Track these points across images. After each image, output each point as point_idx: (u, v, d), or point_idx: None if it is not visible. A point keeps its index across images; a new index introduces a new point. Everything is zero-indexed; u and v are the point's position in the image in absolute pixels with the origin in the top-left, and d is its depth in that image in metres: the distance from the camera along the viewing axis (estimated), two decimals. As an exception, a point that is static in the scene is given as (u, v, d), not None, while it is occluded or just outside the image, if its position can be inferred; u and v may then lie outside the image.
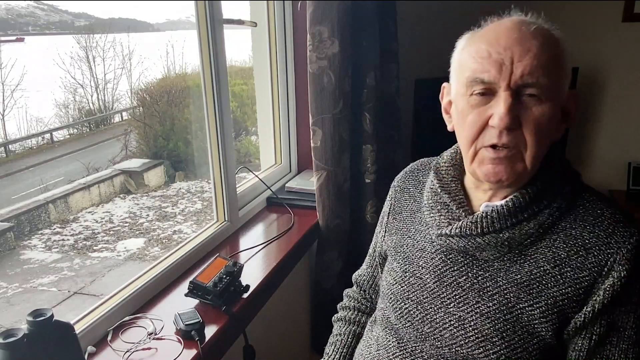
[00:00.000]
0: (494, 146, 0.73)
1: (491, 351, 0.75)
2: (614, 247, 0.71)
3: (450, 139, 0.85)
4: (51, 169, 8.00)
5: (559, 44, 0.73)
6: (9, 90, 8.93)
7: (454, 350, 0.78)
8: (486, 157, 0.74)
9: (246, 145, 7.39)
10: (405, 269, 0.88)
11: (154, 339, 0.99)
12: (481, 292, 0.77)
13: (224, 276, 1.12)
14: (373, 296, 1.09)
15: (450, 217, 0.81)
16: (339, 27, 1.43)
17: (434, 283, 0.83)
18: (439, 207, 0.83)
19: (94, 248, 6.29)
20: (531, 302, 0.74)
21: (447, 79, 0.83)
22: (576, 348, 0.75)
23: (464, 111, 0.75)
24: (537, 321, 0.73)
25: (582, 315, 0.72)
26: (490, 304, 0.76)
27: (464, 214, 0.80)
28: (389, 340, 0.88)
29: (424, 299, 0.83)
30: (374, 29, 1.57)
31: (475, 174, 0.78)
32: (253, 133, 7.38)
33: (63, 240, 6.41)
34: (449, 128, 0.83)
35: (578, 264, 0.72)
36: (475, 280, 0.78)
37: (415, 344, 0.84)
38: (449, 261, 0.82)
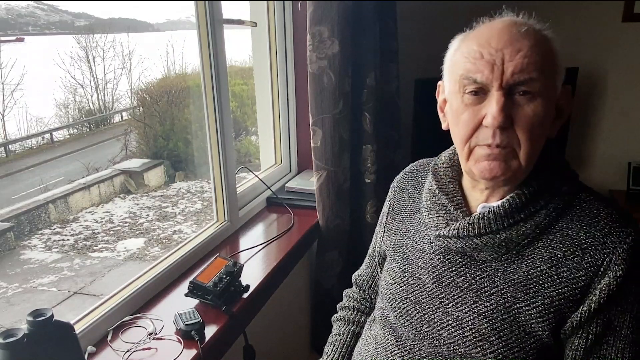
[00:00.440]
0: (488, 145, 0.73)
1: (488, 350, 0.75)
2: (610, 247, 0.71)
3: (450, 139, 0.85)
4: (51, 169, 8.01)
5: (550, 44, 0.74)
6: (9, 90, 8.93)
7: (452, 349, 0.79)
8: (481, 154, 0.75)
9: (246, 145, 7.40)
10: (405, 269, 0.89)
11: (154, 339, 0.99)
12: (479, 292, 0.78)
13: (224, 276, 1.12)
14: (372, 296, 1.10)
15: (448, 218, 0.82)
16: (339, 27, 1.43)
17: (432, 283, 0.83)
18: (437, 208, 0.84)
19: (94, 248, 6.29)
20: (528, 302, 0.74)
21: (446, 79, 0.83)
22: (573, 347, 0.75)
23: (458, 110, 0.76)
24: (534, 321, 0.74)
25: (579, 315, 0.72)
26: (488, 303, 0.77)
27: (461, 215, 0.81)
28: (388, 339, 0.89)
29: (423, 298, 0.84)
30: (374, 29, 1.57)
31: (471, 172, 0.78)
32: (253, 133, 7.38)
33: (63, 240, 6.41)
34: (444, 127, 0.84)
35: (574, 264, 0.72)
36: (473, 281, 0.79)
37: (413, 343, 0.84)
38: (447, 262, 0.82)
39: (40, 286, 5.46)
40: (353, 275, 1.16)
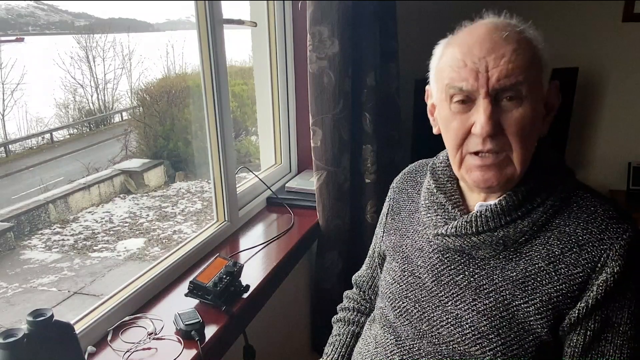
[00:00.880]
0: (478, 152, 0.74)
1: (487, 348, 0.76)
2: (607, 243, 0.72)
3: (449, 139, 0.85)
4: (51, 169, 8.01)
5: (532, 44, 0.74)
6: (9, 90, 8.93)
7: (451, 347, 0.79)
8: (473, 164, 0.75)
9: (246, 145, 7.40)
10: (404, 268, 0.89)
11: (154, 339, 0.99)
12: (477, 290, 0.78)
13: (224, 276, 1.12)
14: (372, 297, 1.10)
15: (446, 217, 0.82)
16: (339, 27, 1.43)
17: (431, 282, 0.84)
18: (435, 207, 0.84)
19: (94, 248, 6.29)
20: (526, 299, 0.74)
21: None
22: (571, 344, 0.75)
23: (447, 118, 0.77)
24: (532, 318, 0.74)
25: (577, 311, 0.73)
26: (487, 301, 0.77)
27: (459, 213, 0.81)
28: (387, 338, 0.89)
29: (422, 297, 0.84)
30: (374, 29, 1.57)
31: (464, 179, 0.79)
32: (253, 133, 7.38)
33: (63, 240, 6.41)
34: (435, 131, 0.85)
35: (572, 261, 0.73)
36: (471, 279, 0.79)
37: (412, 342, 0.84)
38: (446, 260, 0.82)
39: (40, 286, 5.46)
40: (353, 276, 1.16)
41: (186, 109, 8.06)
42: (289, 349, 1.62)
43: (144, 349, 0.96)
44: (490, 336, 0.75)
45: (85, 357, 0.93)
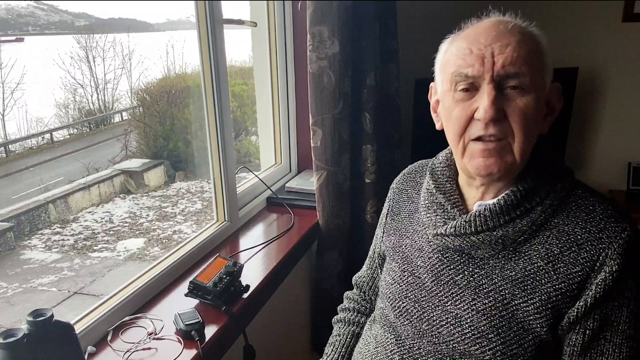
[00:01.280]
0: (481, 138, 0.74)
1: (487, 347, 0.76)
2: (606, 242, 0.72)
3: (449, 139, 0.85)
4: (51, 169, 8.01)
5: (537, 39, 0.75)
6: (9, 90, 8.93)
7: (451, 346, 0.79)
8: (476, 150, 0.76)
9: (246, 145, 7.40)
10: (404, 268, 0.89)
11: (154, 339, 0.99)
12: (477, 290, 0.78)
13: (224, 276, 1.12)
14: (373, 298, 1.10)
15: (445, 217, 0.82)
16: (339, 27, 1.43)
17: (431, 282, 0.84)
18: (434, 207, 0.85)
19: (94, 248, 6.29)
20: (526, 299, 0.74)
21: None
22: (570, 343, 0.75)
23: (450, 107, 0.77)
24: (531, 317, 0.74)
25: (575, 310, 0.73)
26: (486, 301, 0.77)
27: (458, 213, 0.82)
28: (387, 338, 0.89)
29: (422, 297, 0.84)
30: (374, 29, 1.57)
31: (466, 169, 0.79)
32: (253, 133, 7.38)
33: (63, 240, 6.42)
34: (437, 127, 0.85)
35: (571, 260, 0.73)
36: (471, 278, 0.79)
37: (412, 341, 0.85)
38: (445, 260, 0.83)
39: (40, 286, 5.46)
40: (353, 277, 1.16)
41: (186, 109, 8.07)
42: (289, 349, 1.62)
43: (144, 349, 0.96)
44: (490, 335, 0.76)
45: (85, 357, 0.93)
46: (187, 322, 1.00)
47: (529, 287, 0.74)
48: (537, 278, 0.74)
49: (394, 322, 0.88)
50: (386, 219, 1.01)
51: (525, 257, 0.76)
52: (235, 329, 1.11)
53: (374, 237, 1.08)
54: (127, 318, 1.05)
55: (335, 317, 1.13)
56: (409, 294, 0.86)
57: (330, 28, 1.43)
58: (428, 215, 0.85)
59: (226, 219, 1.47)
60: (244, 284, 1.17)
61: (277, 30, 1.75)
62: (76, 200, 7.11)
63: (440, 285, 0.82)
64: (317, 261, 1.64)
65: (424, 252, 0.87)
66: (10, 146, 8.50)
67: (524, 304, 0.74)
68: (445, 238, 0.80)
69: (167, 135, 8.21)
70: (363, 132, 1.62)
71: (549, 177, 0.78)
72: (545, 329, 0.73)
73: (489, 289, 0.77)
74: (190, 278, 1.12)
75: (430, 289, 0.84)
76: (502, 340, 0.75)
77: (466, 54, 0.74)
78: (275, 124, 1.86)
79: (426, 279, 0.85)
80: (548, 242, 0.75)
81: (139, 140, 8.64)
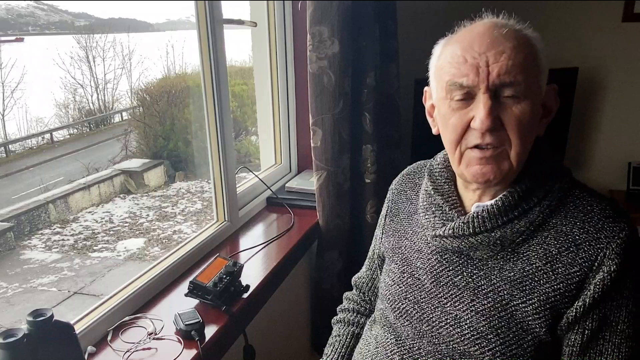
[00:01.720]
0: (477, 146, 0.74)
1: (486, 348, 0.76)
2: (604, 242, 0.72)
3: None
4: (51, 169, 8.01)
5: (532, 43, 0.74)
6: (9, 90, 8.93)
7: (451, 347, 0.79)
8: (472, 157, 0.75)
9: (246, 145, 7.40)
10: (403, 269, 0.89)
11: (154, 339, 0.99)
12: (476, 291, 0.78)
13: (224, 276, 1.12)
14: (372, 298, 1.10)
15: (444, 218, 0.82)
16: (339, 27, 1.43)
17: (430, 283, 0.84)
18: (433, 209, 0.85)
19: (94, 248, 6.29)
20: (524, 299, 0.74)
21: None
22: (569, 344, 0.76)
23: (446, 115, 0.77)
24: (530, 317, 0.74)
25: (574, 310, 0.73)
26: (485, 301, 0.77)
27: (456, 214, 0.82)
28: (388, 338, 0.89)
29: (422, 298, 0.85)
30: (374, 29, 1.57)
31: (463, 175, 0.79)
32: (253, 133, 7.38)
33: (63, 240, 6.42)
34: (434, 132, 0.85)
35: (569, 260, 0.73)
36: (470, 279, 0.79)
37: (412, 342, 0.85)
38: (444, 261, 0.83)
39: (40, 286, 5.46)
40: (353, 278, 1.16)
41: (186, 109, 8.07)
42: (289, 349, 1.62)
43: (144, 349, 0.96)
44: (489, 336, 0.76)
45: (85, 357, 0.93)
46: (187, 322, 1.00)
47: (527, 287, 0.74)
48: (536, 278, 0.74)
49: (394, 323, 0.88)
50: (385, 220, 1.01)
51: (524, 258, 0.76)
52: (235, 329, 1.11)
53: (374, 238, 1.08)
54: (127, 318, 1.05)
55: (334, 317, 1.13)
56: (409, 295, 0.87)
57: (330, 28, 1.43)
58: (426, 216, 0.85)
59: (226, 219, 1.47)
60: (244, 284, 1.17)
61: (277, 30, 1.75)
62: (76, 200, 7.11)
63: (440, 287, 0.82)
64: (317, 261, 1.64)
65: (423, 253, 0.87)
66: (10, 146, 8.50)
67: (523, 305, 0.74)
68: (444, 239, 0.80)
69: (167, 135, 8.21)
70: (363, 132, 1.62)
71: (547, 178, 0.78)
72: (544, 330, 0.73)
73: (488, 289, 0.77)
74: (190, 278, 1.12)
75: (429, 290, 0.84)
76: (501, 340, 0.75)
77: (460, 62, 0.73)
78: (275, 124, 1.86)
79: (425, 280, 0.85)
80: (546, 242, 0.75)
81: (139, 140, 8.64)
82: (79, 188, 7.24)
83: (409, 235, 0.92)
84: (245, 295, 1.16)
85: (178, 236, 6.55)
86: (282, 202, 1.69)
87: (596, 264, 0.71)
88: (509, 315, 0.75)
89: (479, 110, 0.72)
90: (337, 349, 1.04)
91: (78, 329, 0.94)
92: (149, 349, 0.96)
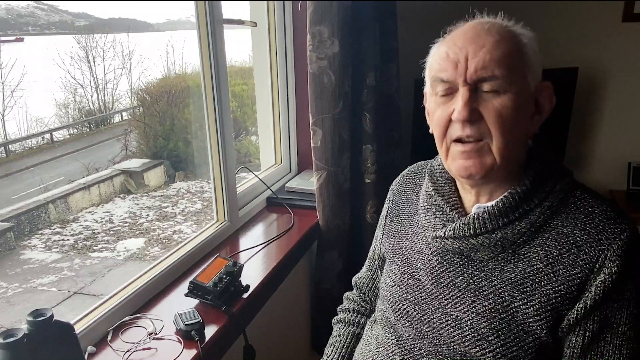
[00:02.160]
0: (460, 140, 0.75)
1: (487, 349, 0.76)
2: (605, 243, 0.72)
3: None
4: (51, 169, 8.00)
5: (518, 39, 0.75)
6: (9, 90, 8.93)
7: (451, 348, 0.79)
8: (456, 152, 0.77)
9: (246, 145, 7.39)
10: (404, 270, 0.89)
11: (154, 339, 0.99)
12: (477, 292, 0.78)
13: (224, 276, 1.12)
14: (372, 299, 1.10)
15: (444, 219, 0.82)
16: (339, 27, 1.43)
17: (431, 284, 0.84)
18: (433, 210, 0.85)
19: (94, 248, 6.29)
20: (525, 301, 0.74)
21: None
22: (570, 345, 0.75)
23: (432, 110, 0.80)
24: (531, 319, 0.74)
25: (575, 312, 0.73)
26: (486, 303, 0.77)
27: (457, 215, 0.82)
28: (388, 339, 0.89)
29: (422, 300, 0.84)
30: (374, 29, 1.57)
31: (450, 170, 0.81)
32: (253, 133, 7.38)
33: (63, 240, 6.41)
34: (431, 131, 0.85)
35: (570, 262, 0.73)
36: (471, 281, 0.79)
37: (413, 342, 0.85)
38: (445, 262, 0.83)
39: (40, 286, 5.46)
40: (353, 278, 1.16)
41: (186, 109, 8.06)
42: (289, 349, 1.62)
43: (144, 349, 0.96)
44: (490, 338, 0.76)
45: (85, 357, 0.93)
46: (187, 322, 1.00)
47: (528, 289, 0.74)
48: (537, 280, 0.74)
49: (395, 324, 0.88)
50: (385, 221, 1.01)
51: (525, 259, 0.76)
52: (235, 329, 1.11)
53: (374, 238, 1.08)
54: (127, 318, 1.05)
55: (335, 317, 1.13)
56: (409, 297, 0.86)
57: (330, 28, 1.43)
58: (427, 217, 0.85)
59: (226, 219, 1.47)
60: (244, 284, 1.17)
61: (277, 30, 1.75)
62: (76, 200, 7.11)
63: (440, 288, 0.82)
64: (317, 261, 1.63)
65: (423, 254, 0.86)
66: (10, 146, 8.50)
67: (524, 306, 0.74)
68: (445, 240, 0.80)
69: (167, 135, 8.21)
70: (363, 132, 1.62)
71: (547, 179, 0.78)
72: (545, 331, 0.73)
73: (489, 291, 0.77)
74: (190, 278, 1.12)
75: (430, 291, 0.84)
76: (502, 342, 0.75)
77: (443, 58, 0.75)
78: (275, 124, 1.86)
79: (426, 282, 0.84)
80: (547, 244, 0.75)
81: (139, 140, 8.64)
82: (79, 188, 7.23)
83: (409, 236, 0.92)
84: (245, 295, 1.16)
85: (178, 236, 6.54)
86: (282, 202, 1.69)
87: (597, 265, 0.71)
88: (510, 316, 0.75)
89: (458, 102, 0.74)
90: (337, 349, 1.04)
91: (78, 329, 0.94)
92: (149, 349, 0.97)
